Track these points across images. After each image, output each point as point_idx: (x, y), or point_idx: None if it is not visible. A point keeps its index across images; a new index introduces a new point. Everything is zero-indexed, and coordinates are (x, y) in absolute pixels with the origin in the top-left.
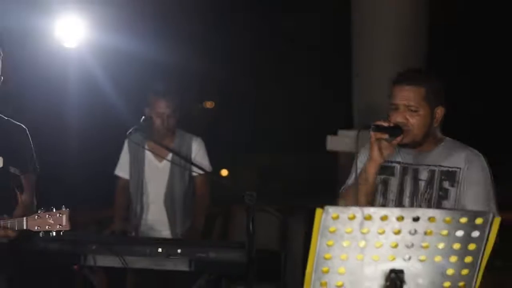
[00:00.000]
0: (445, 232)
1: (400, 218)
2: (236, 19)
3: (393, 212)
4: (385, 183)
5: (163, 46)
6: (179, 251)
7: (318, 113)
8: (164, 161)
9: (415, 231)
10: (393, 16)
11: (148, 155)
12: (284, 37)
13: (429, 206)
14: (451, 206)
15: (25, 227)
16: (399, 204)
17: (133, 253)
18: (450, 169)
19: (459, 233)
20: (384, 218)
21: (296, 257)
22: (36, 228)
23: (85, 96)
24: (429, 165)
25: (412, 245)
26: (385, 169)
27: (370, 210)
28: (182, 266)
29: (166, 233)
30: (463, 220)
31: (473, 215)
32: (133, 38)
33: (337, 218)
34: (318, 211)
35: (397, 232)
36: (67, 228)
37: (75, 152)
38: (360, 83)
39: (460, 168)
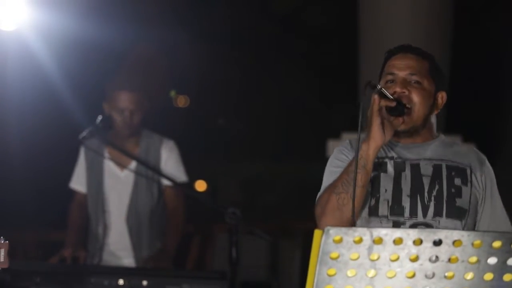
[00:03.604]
0: (474, 259)
1: (418, 242)
2: None
3: (409, 234)
4: (375, 181)
5: (126, 29)
6: (144, 283)
7: (316, 114)
8: (127, 170)
9: (437, 258)
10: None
11: (108, 163)
12: (277, 20)
13: (439, 205)
14: (467, 207)
15: None
16: (396, 205)
17: (88, 286)
18: (459, 165)
19: (492, 260)
20: (398, 241)
21: None
22: None
23: (28, 92)
24: (432, 159)
25: (433, 275)
26: (374, 165)
27: (381, 232)
28: None
29: (129, 260)
30: (497, 244)
31: (509, 237)
32: (88, 19)
33: (340, 241)
34: (317, 232)
35: (415, 259)
36: (5, 266)
37: (17, 161)
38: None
39: (469, 167)
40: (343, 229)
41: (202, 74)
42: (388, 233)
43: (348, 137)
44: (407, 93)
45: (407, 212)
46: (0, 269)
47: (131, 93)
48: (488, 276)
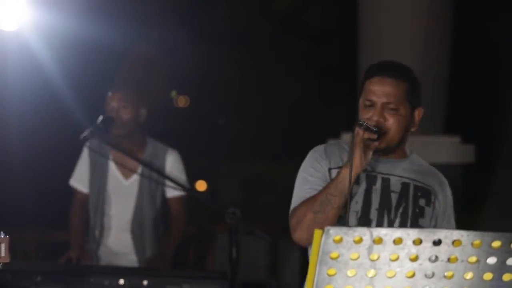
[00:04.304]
0: (473, 259)
1: (418, 242)
2: None
3: (409, 234)
4: None
5: (126, 30)
6: (145, 282)
7: (316, 114)
8: (131, 179)
9: (436, 258)
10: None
11: (112, 168)
12: (277, 20)
13: (404, 222)
14: (427, 226)
15: None
16: (364, 217)
17: (89, 285)
18: (425, 187)
19: (491, 260)
20: (398, 241)
21: None
22: None
23: (28, 92)
24: (401, 177)
25: (433, 274)
26: None
27: (381, 232)
28: None
29: (132, 259)
30: (496, 243)
31: (508, 237)
32: (89, 19)
33: (340, 241)
34: (317, 232)
35: (414, 259)
36: (7, 260)
37: (17, 162)
38: None
39: (433, 189)
40: (343, 229)
41: (202, 74)
42: (388, 233)
43: (347, 137)
44: (383, 120)
45: (373, 225)
46: (1, 264)
47: (119, 90)
48: (488, 276)
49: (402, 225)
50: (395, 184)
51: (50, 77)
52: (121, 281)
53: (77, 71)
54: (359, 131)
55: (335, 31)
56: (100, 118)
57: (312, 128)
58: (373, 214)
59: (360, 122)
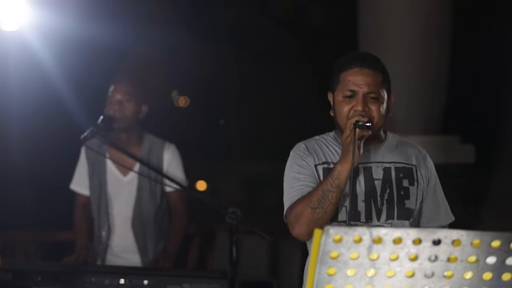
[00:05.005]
0: (473, 258)
1: (417, 241)
2: None
3: (408, 234)
4: None
5: (127, 30)
6: (145, 282)
7: (316, 113)
8: (130, 175)
9: (436, 257)
10: None
11: (110, 166)
12: (278, 20)
13: (391, 207)
14: (414, 206)
15: None
16: (353, 210)
17: (89, 285)
18: (406, 166)
19: (491, 259)
20: (397, 241)
21: None
22: None
23: (29, 92)
24: (382, 162)
25: (432, 274)
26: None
27: (381, 232)
28: None
29: (135, 259)
30: (496, 243)
31: (508, 237)
32: (90, 19)
33: (340, 241)
34: (317, 232)
35: (414, 259)
36: None
37: (18, 162)
38: None
39: (415, 166)
40: (343, 229)
41: (203, 74)
42: (387, 233)
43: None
44: (367, 109)
45: (363, 217)
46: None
47: (121, 84)
48: (487, 276)
49: (389, 210)
50: (377, 171)
51: (51, 77)
52: (122, 281)
53: (78, 71)
54: (357, 131)
55: (335, 31)
56: (101, 118)
57: (313, 128)
58: (361, 206)
59: (360, 124)
